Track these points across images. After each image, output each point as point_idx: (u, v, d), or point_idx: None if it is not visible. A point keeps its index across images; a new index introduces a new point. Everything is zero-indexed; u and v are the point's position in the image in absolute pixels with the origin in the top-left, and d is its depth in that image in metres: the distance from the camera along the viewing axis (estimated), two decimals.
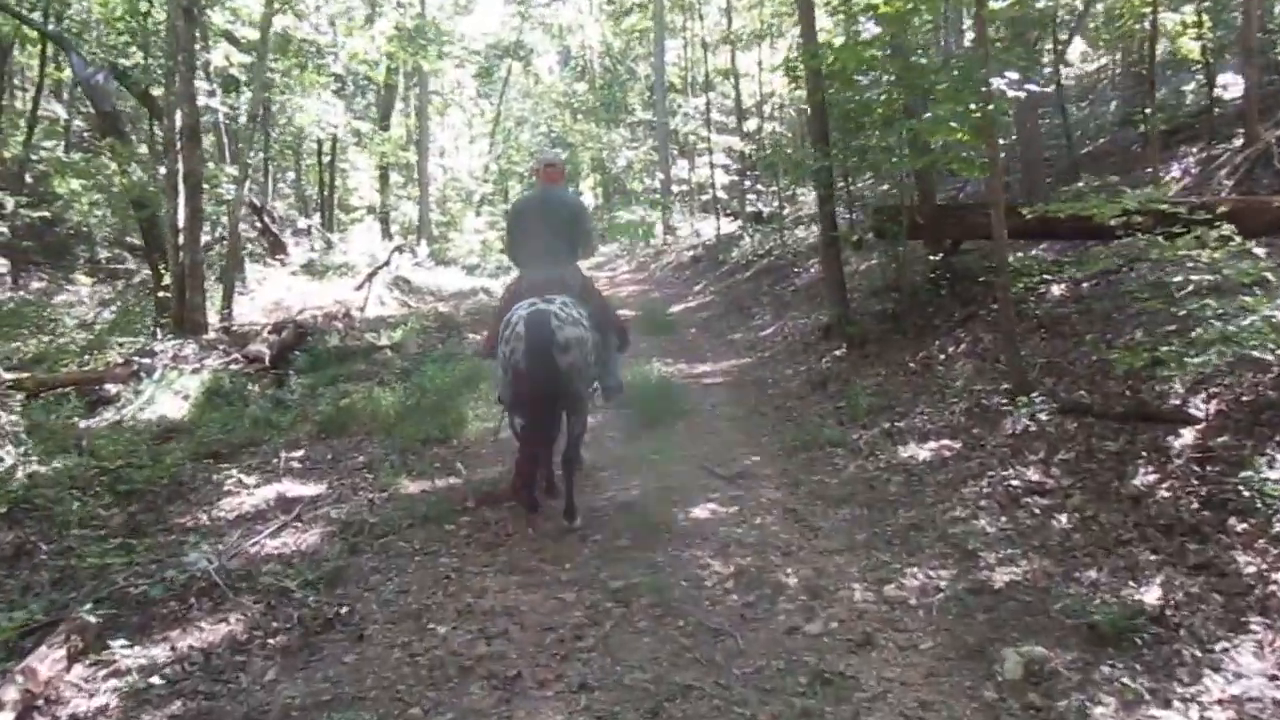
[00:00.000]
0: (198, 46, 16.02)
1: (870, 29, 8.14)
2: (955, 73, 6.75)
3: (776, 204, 20.87)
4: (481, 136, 45.54)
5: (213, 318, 11.75)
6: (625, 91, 36.00)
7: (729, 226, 21.24)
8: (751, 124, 22.98)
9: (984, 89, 5.81)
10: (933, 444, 5.87)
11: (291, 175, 29.89)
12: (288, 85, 14.57)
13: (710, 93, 22.86)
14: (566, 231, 5.25)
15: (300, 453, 6.70)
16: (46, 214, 19.83)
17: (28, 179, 20.83)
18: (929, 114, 7.39)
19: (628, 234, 25.42)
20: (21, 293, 18.25)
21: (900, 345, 8.23)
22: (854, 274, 11.37)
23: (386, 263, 15.56)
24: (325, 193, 27.05)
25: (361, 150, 30.05)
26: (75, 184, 16.15)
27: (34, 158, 20.21)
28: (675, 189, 27.42)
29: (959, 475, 5.28)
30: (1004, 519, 4.63)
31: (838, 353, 8.88)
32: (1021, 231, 7.49)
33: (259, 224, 19.37)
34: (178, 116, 10.78)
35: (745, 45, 20.48)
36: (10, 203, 18.21)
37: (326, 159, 27.08)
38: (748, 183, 21.23)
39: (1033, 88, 6.51)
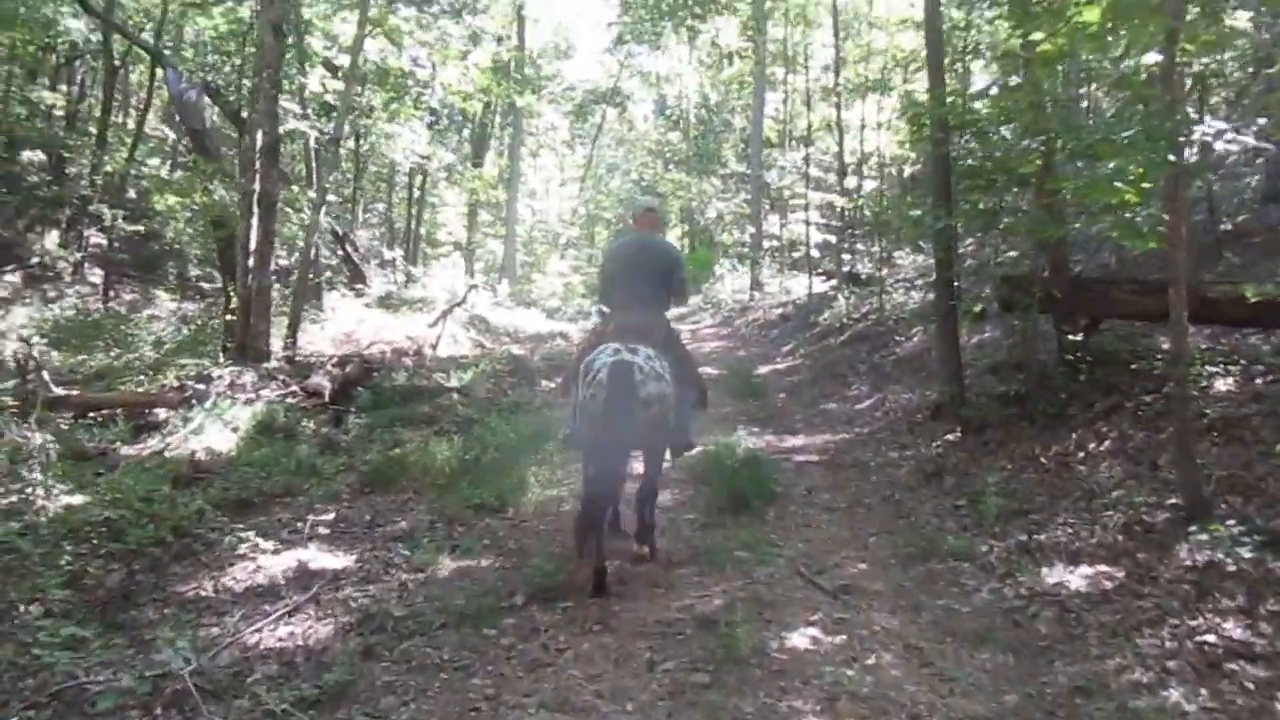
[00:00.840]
0: (293, 71, 15.89)
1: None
2: (1133, 123, 5.70)
3: (873, 265, 19.85)
4: (572, 180, 45.57)
5: (278, 345, 11.20)
6: (719, 142, 35.42)
7: (820, 286, 20.25)
8: (850, 181, 22.08)
9: (1177, 140, 4.77)
10: (1086, 569, 4.75)
11: (382, 206, 29.95)
12: (374, 112, 14.17)
13: (809, 147, 21.97)
14: (660, 279, 5.23)
15: (335, 513, 5.90)
16: (141, 229, 20.02)
17: (131, 194, 21.11)
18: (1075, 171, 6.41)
19: (696, 265, 24.64)
20: (113, 304, 18.30)
21: (1027, 435, 7.12)
22: (965, 347, 10.30)
23: (462, 301, 14.96)
24: (412, 225, 26.96)
25: (451, 186, 30.03)
26: (172, 200, 16.05)
27: (134, 173, 20.44)
28: (765, 244, 26.55)
29: (1129, 618, 4.17)
30: (1203, 691, 3.53)
31: (951, 437, 7.79)
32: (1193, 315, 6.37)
33: (340, 252, 19.08)
34: (258, 136, 10.32)
35: (851, 98, 19.59)
36: (109, 215, 18.36)
37: (417, 193, 27.11)
38: (845, 242, 20.19)
39: (1249, 140, 5.41)
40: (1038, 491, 6.09)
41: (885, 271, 16.95)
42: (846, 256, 20.20)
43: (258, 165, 10.31)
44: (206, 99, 13.34)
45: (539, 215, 41.46)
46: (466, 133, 30.34)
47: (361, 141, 13.86)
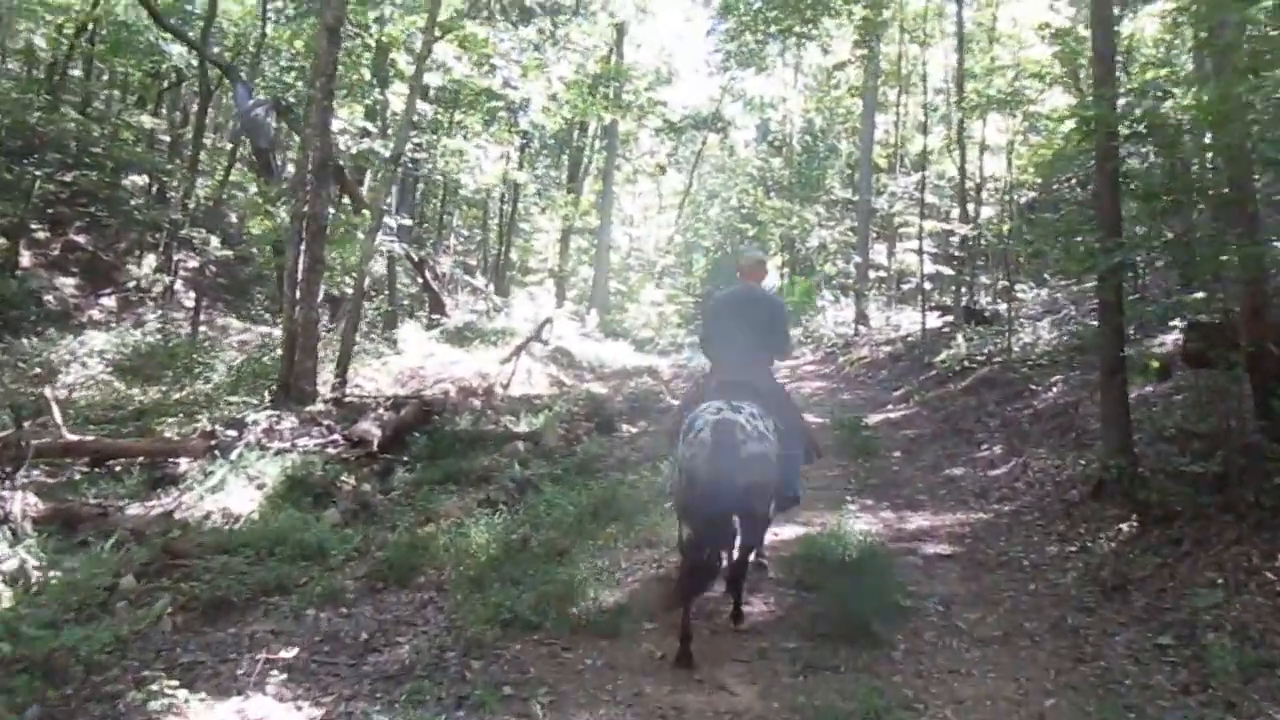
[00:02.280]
0: (379, 93, 15.04)
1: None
2: None
3: (996, 299, 17.93)
4: (670, 207, 44.45)
5: (330, 385, 10.12)
6: (824, 168, 33.73)
7: (935, 321, 18.41)
8: (968, 207, 20.22)
9: None
10: None
11: (468, 232, 29.27)
12: (442, 128, 13.08)
13: (924, 170, 20.16)
14: (765, 330, 5.22)
15: (327, 622, 4.58)
16: (230, 253, 19.62)
17: (232, 218, 20.84)
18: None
19: (798, 298, 22.92)
20: (203, 330, 17.87)
21: (1234, 533, 5.37)
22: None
23: (537, 334, 13.70)
24: (502, 251, 26.07)
25: (543, 212, 29.17)
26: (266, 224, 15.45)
27: (226, 196, 20.13)
28: (871, 274, 24.74)
29: None
30: None
31: (1125, 528, 6.06)
32: None
33: (420, 280, 18.18)
34: (310, 152, 9.30)
35: (973, 115, 17.78)
36: (199, 239, 17.98)
37: (507, 219, 26.24)
38: (964, 273, 18.34)
39: None
40: (1277, 627, 4.38)
41: (1003, 305, 14.98)
42: (965, 290, 18.33)
43: (308, 184, 9.27)
44: (274, 116, 12.53)
45: (635, 242, 40.43)
46: (565, 158, 29.48)
47: (435, 162, 12.80)
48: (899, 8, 17.73)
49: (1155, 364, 6.94)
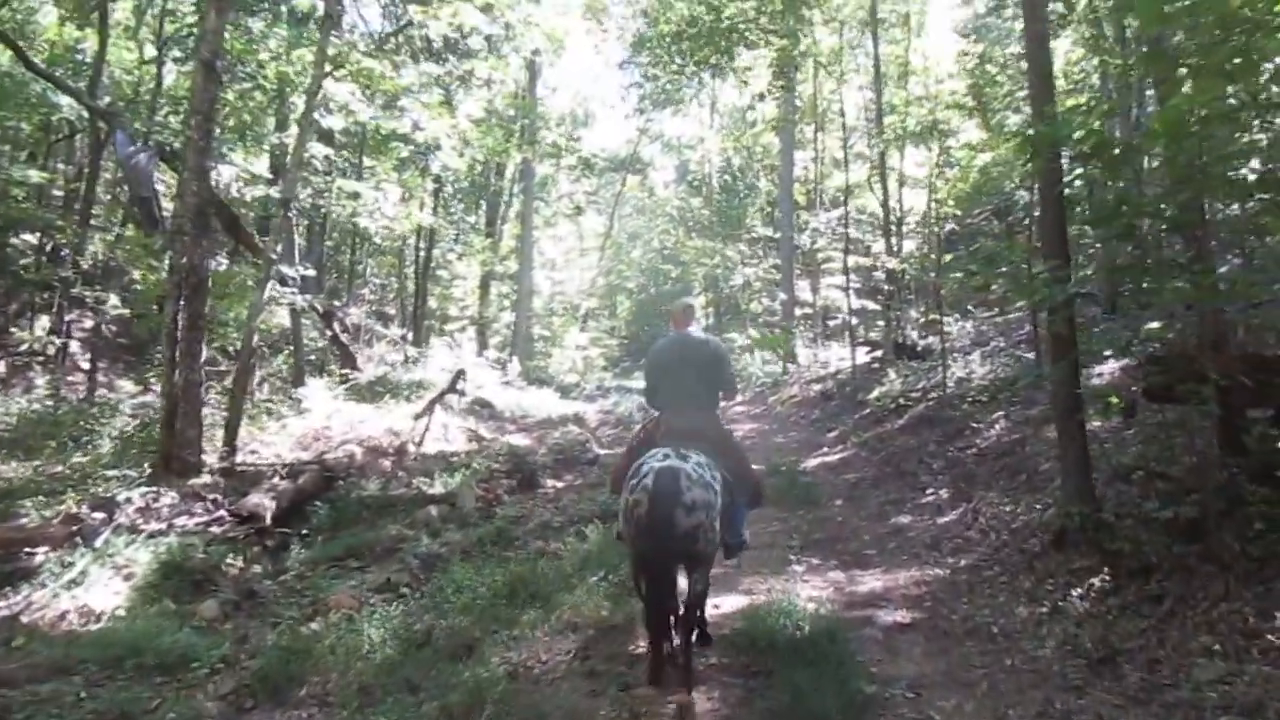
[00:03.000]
0: (276, 137, 14.13)
1: None
2: None
3: (926, 333, 17.71)
4: (592, 250, 43.96)
5: (218, 454, 9.13)
6: (744, 206, 33.63)
7: (864, 357, 18.09)
8: (880, 244, 20.09)
9: None
10: None
11: (386, 281, 28.21)
12: (335, 170, 12.19)
13: (845, 205, 19.98)
14: (708, 375, 5.22)
15: None
16: (126, 310, 18.38)
17: (136, 274, 19.51)
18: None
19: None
20: (102, 392, 16.62)
21: (1221, 588, 4.85)
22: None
23: (451, 387, 12.83)
24: (417, 301, 25.05)
25: (460, 258, 28.32)
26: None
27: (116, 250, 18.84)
28: (797, 311, 24.47)
29: None
30: None
31: (1097, 582, 5.52)
32: None
33: (329, 333, 17.14)
34: (189, 199, 8.41)
35: (894, 146, 17.67)
36: (91, 296, 16.80)
37: (426, 265, 25.26)
38: (894, 308, 18.09)
39: None
40: None
41: (943, 340, 14.65)
42: (894, 324, 18.06)
43: (186, 234, 8.36)
44: (155, 162, 11.54)
45: (558, 286, 39.78)
46: (483, 203, 28.70)
47: (331, 207, 11.85)
48: (813, 43, 17.53)
49: (1115, 400, 6.46)
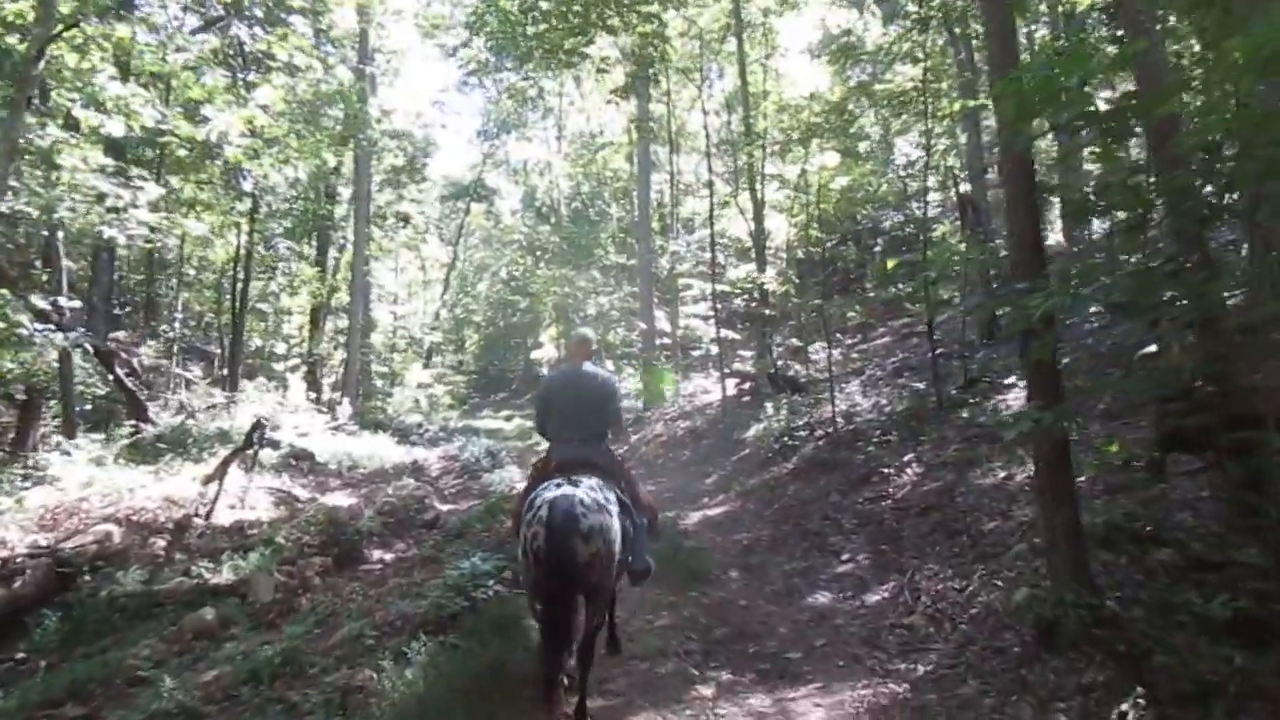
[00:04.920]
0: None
1: None
2: None
3: (784, 362, 16.43)
4: (435, 282, 41.49)
5: None
6: (596, 233, 32.07)
7: (733, 390, 16.66)
8: (747, 267, 18.87)
9: None
10: None
11: (189, 318, 24.98)
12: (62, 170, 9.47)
13: (710, 228, 18.58)
14: (599, 408, 5.12)
15: None
16: None
17: None
18: None
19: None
20: None
21: None
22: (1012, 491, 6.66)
23: (248, 444, 10.38)
24: (234, 337, 22.08)
25: (285, 290, 25.55)
26: None
27: None
28: (657, 341, 22.95)
29: None
30: None
31: (1132, 714, 3.95)
32: None
33: (111, 377, 14.29)
34: None
35: (762, 159, 16.40)
36: None
37: (242, 299, 22.33)
38: (767, 336, 16.76)
39: None
40: None
41: (831, 369, 13.25)
42: (768, 353, 16.72)
43: None
44: None
45: (400, 320, 37.00)
46: (315, 234, 25.90)
47: (59, 210, 9.19)
48: (672, 50, 16.10)
49: (1115, 448, 4.99)
